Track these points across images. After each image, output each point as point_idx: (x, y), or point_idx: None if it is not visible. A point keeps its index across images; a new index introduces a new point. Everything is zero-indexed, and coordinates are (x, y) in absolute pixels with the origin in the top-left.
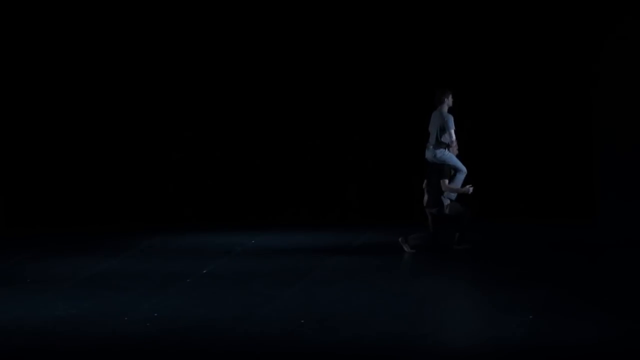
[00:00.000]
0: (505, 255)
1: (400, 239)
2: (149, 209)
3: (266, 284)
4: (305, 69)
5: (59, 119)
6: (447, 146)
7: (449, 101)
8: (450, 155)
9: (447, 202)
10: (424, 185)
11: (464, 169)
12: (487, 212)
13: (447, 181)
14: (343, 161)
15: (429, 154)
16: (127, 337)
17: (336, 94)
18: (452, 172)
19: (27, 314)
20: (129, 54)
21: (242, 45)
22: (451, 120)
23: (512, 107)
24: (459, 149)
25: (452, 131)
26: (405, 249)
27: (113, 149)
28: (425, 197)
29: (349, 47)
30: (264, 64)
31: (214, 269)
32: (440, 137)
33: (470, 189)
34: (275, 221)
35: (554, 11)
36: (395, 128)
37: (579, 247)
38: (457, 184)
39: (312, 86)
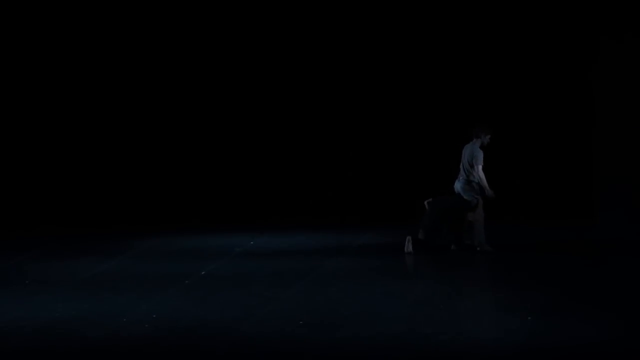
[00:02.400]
0: (504, 257)
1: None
2: (148, 211)
3: (265, 285)
4: (306, 73)
5: (58, 121)
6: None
7: (485, 139)
8: (476, 188)
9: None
10: (425, 202)
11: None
12: (486, 214)
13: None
14: (343, 162)
15: (458, 185)
16: (126, 338)
17: (336, 97)
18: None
19: (26, 315)
20: (126, 57)
21: (245, 50)
22: (481, 157)
23: (514, 112)
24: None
25: (480, 167)
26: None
27: (112, 150)
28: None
29: (348, 52)
30: (267, 69)
31: (213, 270)
32: (469, 171)
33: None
34: (275, 222)
35: (556, 21)
36: (395, 129)
37: (578, 248)
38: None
39: (311, 87)
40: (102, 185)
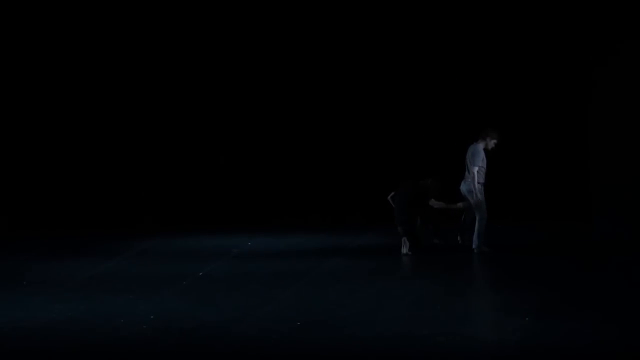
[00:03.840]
0: (502, 258)
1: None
2: (146, 212)
3: (263, 285)
4: (306, 76)
5: (59, 124)
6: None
7: (489, 143)
8: (478, 192)
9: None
10: (389, 197)
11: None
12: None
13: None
14: (341, 164)
15: (464, 187)
16: (124, 339)
17: (335, 100)
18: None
19: (25, 316)
20: (127, 61)
21: (247, 55)
22: (479, 157)
23: (513, 115)
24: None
25: (475, 169)
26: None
27: (111, 153)
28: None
29: (347, 55)
30: (264, 72)
31: (210, 271)
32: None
33: (460, 204)
34: (273, 223)
35: (552, 28)
36: (392, 131)
37: (575, 249)
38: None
39: (311, 90)
40: (100, 187)
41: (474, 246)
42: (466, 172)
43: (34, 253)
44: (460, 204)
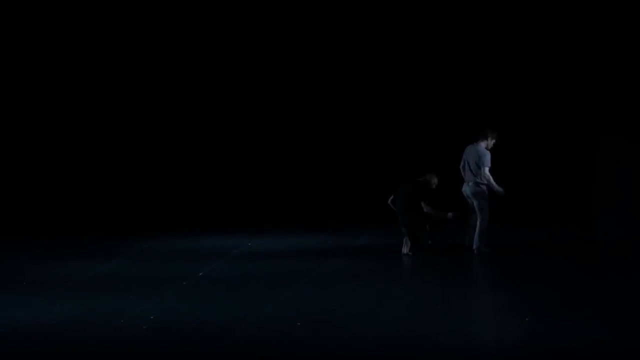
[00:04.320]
0: (502, 258)
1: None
2: (146, 212)
3: (263, 286)
4: (303, 76)
5: (60, 126)
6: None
7: (489, 142)
8: (485, 191)
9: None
10: (389, 201)
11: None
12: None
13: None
14: (341, 164)
15: (467, 189)
16: (124, 339)
17: (333, 101)
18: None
19: (25, 316)
20: (126, 63)
21: (247, 56)
22: (487, 157)
23: (513, 115)
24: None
25: (487, 169)
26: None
27: (110, 153)
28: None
29: (345, 55)
30: (267, 74)
31: (210, 271)
32: (476, 172)
33: (450, 214)
34: (273, 224)
35: (552, 28)
36: (391, 131)
37: (575, 250)
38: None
39: (308, 92)
40: (100, 187)
41: (474, 246)
42: (469, 174)
43: (34, 253)
44: (449, 214)
